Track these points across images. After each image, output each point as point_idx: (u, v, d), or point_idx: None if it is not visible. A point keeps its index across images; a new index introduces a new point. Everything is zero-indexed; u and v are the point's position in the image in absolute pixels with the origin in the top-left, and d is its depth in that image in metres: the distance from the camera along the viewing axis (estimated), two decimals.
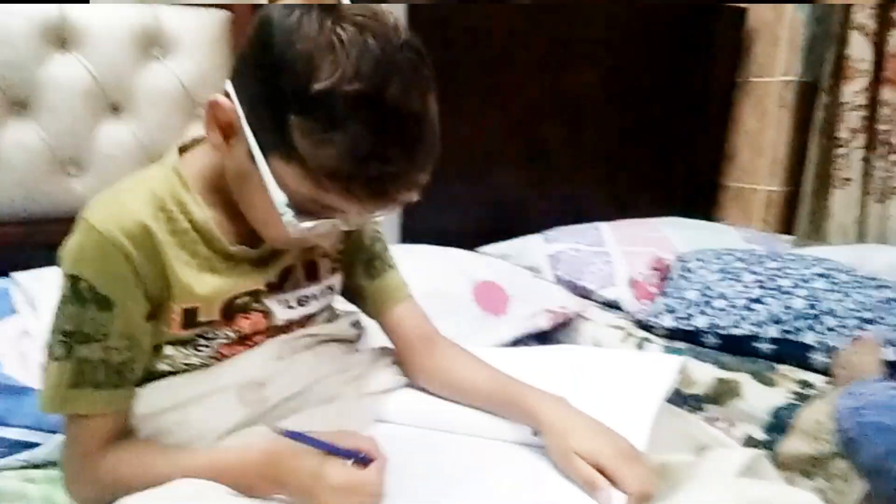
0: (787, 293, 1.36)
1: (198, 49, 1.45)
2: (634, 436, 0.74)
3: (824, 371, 1.24)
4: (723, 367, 1.30)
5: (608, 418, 0.75)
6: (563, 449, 0.72)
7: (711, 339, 1.39)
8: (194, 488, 0.66)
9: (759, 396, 1.21)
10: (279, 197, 0.63)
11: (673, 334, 1.43)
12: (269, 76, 0.60)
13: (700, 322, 1.39)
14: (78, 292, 0.65)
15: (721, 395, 1.24)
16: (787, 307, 1.33)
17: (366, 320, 0.92)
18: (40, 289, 1.16)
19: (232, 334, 0.74)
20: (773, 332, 1.32)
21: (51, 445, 0.92)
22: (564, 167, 2.10)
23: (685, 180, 2.39)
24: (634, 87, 2.18)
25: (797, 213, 2.25)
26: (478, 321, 1.42)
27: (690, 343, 1.41)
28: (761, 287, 1.40)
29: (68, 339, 0.66)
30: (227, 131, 0.66)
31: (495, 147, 1.95)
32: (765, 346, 1.33)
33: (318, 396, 0.80)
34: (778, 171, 2.31)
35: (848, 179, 2.11)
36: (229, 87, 0.65)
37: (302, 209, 0.64)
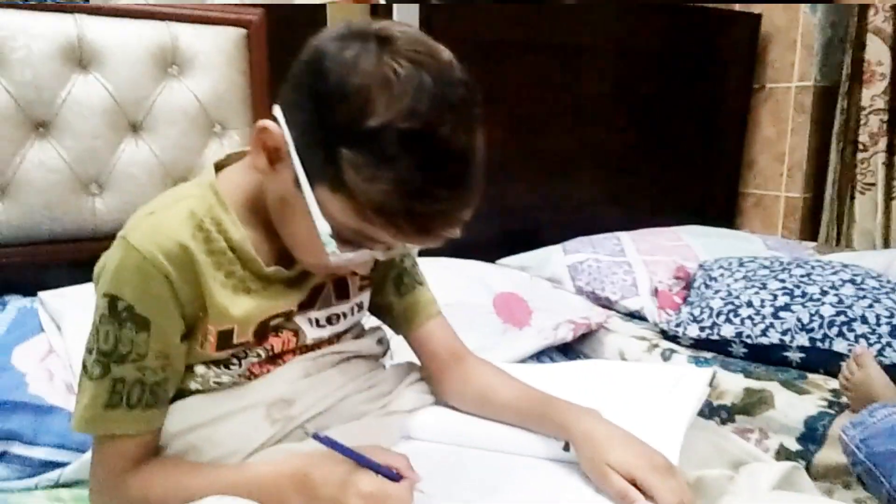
0: (816, 300, 1.34)
1: (214, 66, 1.46)
2: (666, 449, 0.73)
3: None
4: (751, 376, 1.27)
5: (639, 432, 0.74)
6: (597, 461, 0.70)
7: (739, 349, 1.36)
8: None
9: (791, 406, 1.19)
10: (324, 227, 0.63)
11: (699, 344, 1.41)
12: (322, 107, 0.60)
13: (727, 331, 1.37)
14: (116, 312, 0.65)
15: (751, 405, 1.22)
16: (816, 315, 1.31)
17: (390, 334, 0.91)
18: (65, 307, 1.16)
19: (262, 353, 0.74)
20: (802, 340, 1.30)
21: (79, 464, 0.92)
22: (580, 177, 2.09)
23: (703, 188, 2.37)
24: (649, 96, 2.18)
25: (819, 219, 2.22)
26: (499, 333, 1.41)
27: (717, 353, 1.39)
28: (788, 294, 1.37)
29: (105, 359, 0.66)
30: (273, 156, 0.65)
31: (510, 157, 1.94)
32: (794, 355, 1.30)
33: (345, 414, 0.80)
34: (798, 177, 2.29)
35: (870, 184, 2.09)
36: (278, 113, 0.64)
37: (343, 238, 0.64)
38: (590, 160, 2.09)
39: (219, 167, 0.75)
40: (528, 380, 0.85)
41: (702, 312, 1.44)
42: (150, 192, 1.41)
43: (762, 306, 1.37)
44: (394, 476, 0.66)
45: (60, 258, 1.33)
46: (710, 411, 1.25)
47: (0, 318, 1.19)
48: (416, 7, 1.70)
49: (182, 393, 0.72)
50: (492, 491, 0.73)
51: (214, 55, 1.46)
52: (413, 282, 0.88)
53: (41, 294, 1.24)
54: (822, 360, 1.28)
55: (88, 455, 0.86)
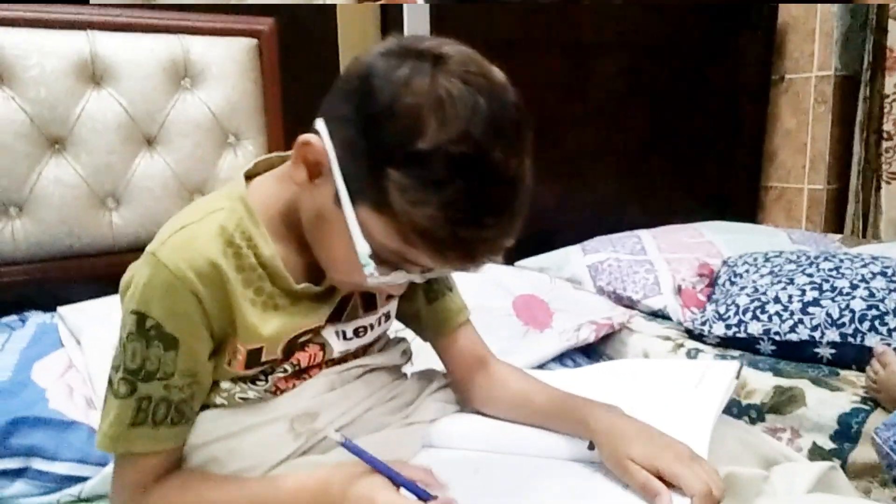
0: (846, 294, 1.30)
1: (226, 77, 1.46)
2: (693, 442, 0.71)
3: None
4: (781, 374, 1.24)
5: (665, 427, 0.72)
6: (618, 456, 0.69)
7: (767, 346, 1.33)
8: None
9: (823, 403, 1.15)
10: (363, 248, 0.61)
11: (725, 342, 1.38)
12: (370, 125, 0.58)
13: (754, 328, 1.34)
14: (144, 330, 0.64)
15: (782, 403, 1.19)
16: (847, 309, 1.27)
17: (410, 337, 0.90)
18: (85, 322, 1.16)
19: (289, 368, 0.73)
20: (832, 335, 1.26)
21: (100, 479, 0.91)
22: (598, 176, 2.07)
23: (724, 183, 2.33)
24: (666, 91, 2.15)
25: (844, 210, 2.17)
26: (520, 336, 1.39)
27: (745, 350, 1.36)
28: (817, 289, 1.34)
29: (131, 377, 0.64)
30: (314, 171, 0.63)
31: None
32: (825, 351, 1.27)
33: (367, 426, 0.79)
34: (821, 168, 2.25)
35: None
36: (321, 127, 0.62)
37: (381, 259, 0.62)
38: (607, 158, 2.07)
39: (248, 176, 0.73)
40: (555, 384, 0.84)
41: (727, 310, 1.40)
42: (167, 204, 1.41)
43: (790, 302, 1.34)
44: (423, 495, 0.65)
45: (79, 273, 1.34)
46: (738, 411, 1.22)
47: (20, 334, 1.19)
48: (426, 7, 1.68)
49: (206, 406, 0.71)
50: (517, 495, 0.71)
51: (226, 66, 1.46)
52: (443, 288, 0.86)
53: (60, 309, 1.24)
54: (854, 356, 1.24)
55: (109, 469, 0.86)
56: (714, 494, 0.63)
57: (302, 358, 0.74)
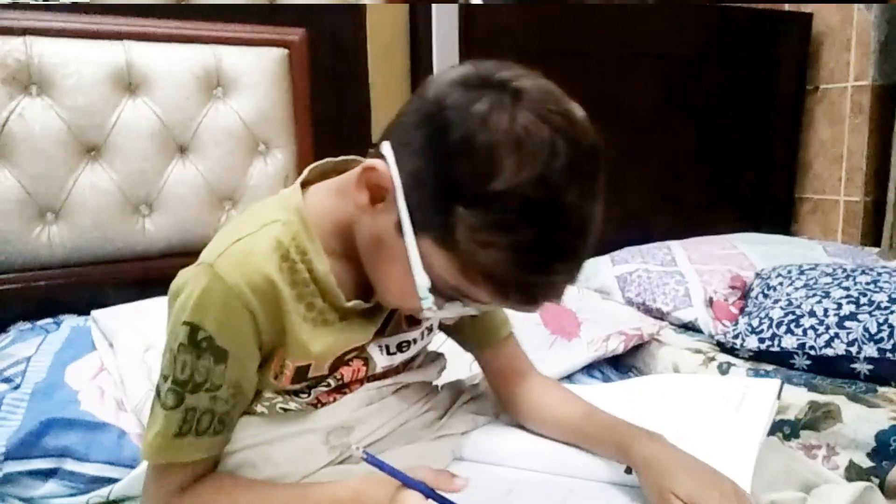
0: (884, 309, 1.26)
1: (257, 87, 1.48)
2: (737, 474, 0.69)
3: None
4: (816, 390, 1.20)
5: (707, 456, 0.71)
6: (660, 489, 0.67)
7: (802, 361, 1.30)
8: None
9: (861, 420, 1.12)
10: (423, 281, 0.60)
11: (758, 356, 1.35)
12: (443, 160, 0.56)
13: (788, 342, 1.31)
14: (195, 341, 0.63)
15: (817, 420, 1.15)
16: (885, 324, 1.24)
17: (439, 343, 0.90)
18: (118, 325, 1.18)
19: (332, 382, 0.73)
20: (870, 351, 1.22)
21: (129, 480, 0.92)
22: (629, 185, 2.04)
23: (757, 194, 2.29)
24: (699, 100, 2.12)
25: (881, 223, 2.12)
26: (547, 346, 1.37)
27: (778, 365, 1.32)
28: (853, 303, 1.30)
29: (180, 389, 0.64)
30: (376, 196, 0.62)
31: None
32: (862, 367, 1.23)
33: (400, 440, 0.79)
34: (857, 180, 2.19)
35: None
36: (387, 151, 0.60)
37: (438, 291, 0.61)
38: (639, 167, 2.04)
39: (302, 184, 0.72)
40: (590, 399, 0.83)
41: (760, 323, 1.37)
42: (198, 211, 1.44)
43: (825, 316, 1.30)
44: (442, 500, 0.64)
45: (112, 277, 1.36)
46: (772, 426, 1.18)
47: (54, 337, 1.22)
48: (455, 7, 1.68)
49: (245, 412, 0.71)
50: None
51: (257, 76, 1.48)
52: None
53: (94, 312, 1.26)
54: (893, 372, 1.20)
55: (138, 471, 0.87)
56: None
57: (346, 373, 0.73)
